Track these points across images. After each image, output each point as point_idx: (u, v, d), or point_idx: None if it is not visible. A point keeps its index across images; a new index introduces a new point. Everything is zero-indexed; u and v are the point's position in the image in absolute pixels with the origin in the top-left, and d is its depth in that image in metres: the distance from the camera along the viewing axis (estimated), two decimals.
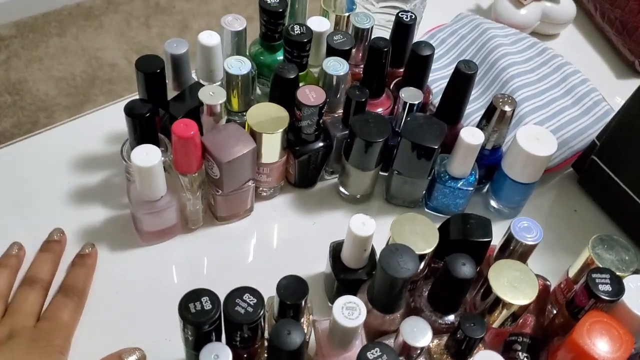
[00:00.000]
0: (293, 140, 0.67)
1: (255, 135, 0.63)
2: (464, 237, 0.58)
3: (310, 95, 0.64)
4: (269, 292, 0.51)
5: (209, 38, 0.67)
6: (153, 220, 0.63)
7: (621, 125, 0.68)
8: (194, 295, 0.50)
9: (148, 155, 0.58)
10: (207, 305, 0.50)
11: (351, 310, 0.51)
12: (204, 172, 0.63)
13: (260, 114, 0.64)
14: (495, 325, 0.55)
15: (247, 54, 0.73)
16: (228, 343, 0.51)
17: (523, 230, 0.57)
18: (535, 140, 0.65)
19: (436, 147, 0.64)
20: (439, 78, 0.81)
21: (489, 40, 0.82)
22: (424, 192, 0.71)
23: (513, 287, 0.53)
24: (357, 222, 0.56)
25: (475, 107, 0.77)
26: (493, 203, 0.72)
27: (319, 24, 0.72)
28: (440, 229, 0.59)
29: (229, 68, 0.65)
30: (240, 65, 0.66)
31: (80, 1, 2.11)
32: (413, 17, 0.72)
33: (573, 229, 0.72)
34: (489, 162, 0.71)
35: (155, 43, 2.03)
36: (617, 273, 0.54)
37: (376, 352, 0.47)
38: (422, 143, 0.64)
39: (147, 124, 0.62)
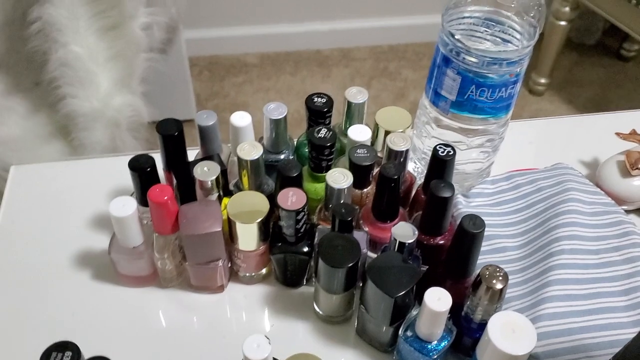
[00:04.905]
0: (277, 235, 0.67)
1: (230, 221, 0.65)
2: None
3: (290, 198, 0.63)
4: None
5: (240, 119, 0.70)
6: (125, 264, 0.68)
7: (629, 354, 0.54)
8: (62, 346, 0.53)
9: (124, 207, 0.64)
10: None
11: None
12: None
13: (243, 201, 0.65)
14: None
15: (288, 141, 0.75)
16: None
17: None
18: (510, 333, 0.55)
19: (392, 296, 0.58)
20: (495, 224, 0.72)
21: (563, 202, 0.71)
22: (389, 339, 0.64)
23: None
24: (251, 344, 0.54)
25: (512, 279, 0.67)
26: None
27: (358, 134, 0.70)
28: None
29: (239, 151, 0.67)
30: (252, 150, 0.67)
31: (321, 49, 2.29)
32: (451, 152, 0.66)
33: None
34: (477, 336, 0.61)
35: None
36: None
37: None
38: (380, 287, 0.59)
39: (147, 177, 0.67)
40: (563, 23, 1.97)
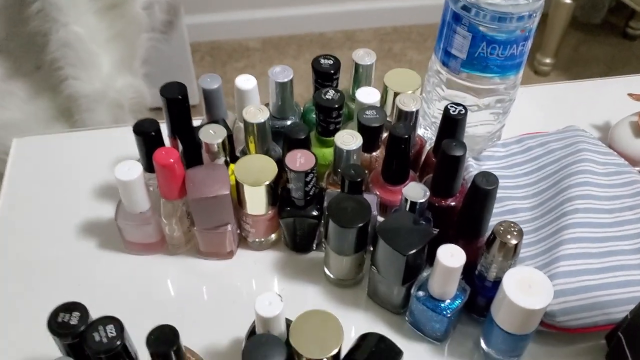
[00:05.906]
0: (286, 199, 0.66)
1: (238, 184, 0.63)
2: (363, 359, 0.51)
3: (299, 160, 0.62)
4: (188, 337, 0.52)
5: (245, 82, 0.69)
6: (132, 231, 0.67)
7: None
8: (70, 307, 0.52)
9: (129, 171, 0.62)
10: (74, 321, 0.52)
11: None
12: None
13: (250, 165, 0.64)
14: None
15: (294, 106, 0.74)
16: None
17: None
18: (526, 288, 0.54)
19: (404, 254, 0.57)
20: (507, 186, 0.71)
21: (576, 162, 0.70)
22: (402, 300, 0.63)
23: None
24: (263, 302, 0.53)
25: (526, 239, 0.65)
26: (483, 344, 0.61)
27: (367, 96, 0.69)
28: (358, 339, 0.53)
29: (245, 114, 0.66)
30: (258, 114, 0.66)
31: (325, 32, 2.28)
32: (463, 111, 0.65)
33: None
34: (491, 295, 0.60)
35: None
36: None
37: None
38: (391, 246, 0.58)
39: (152, 141, 0.65)
40: (568, 1, 1.94)
